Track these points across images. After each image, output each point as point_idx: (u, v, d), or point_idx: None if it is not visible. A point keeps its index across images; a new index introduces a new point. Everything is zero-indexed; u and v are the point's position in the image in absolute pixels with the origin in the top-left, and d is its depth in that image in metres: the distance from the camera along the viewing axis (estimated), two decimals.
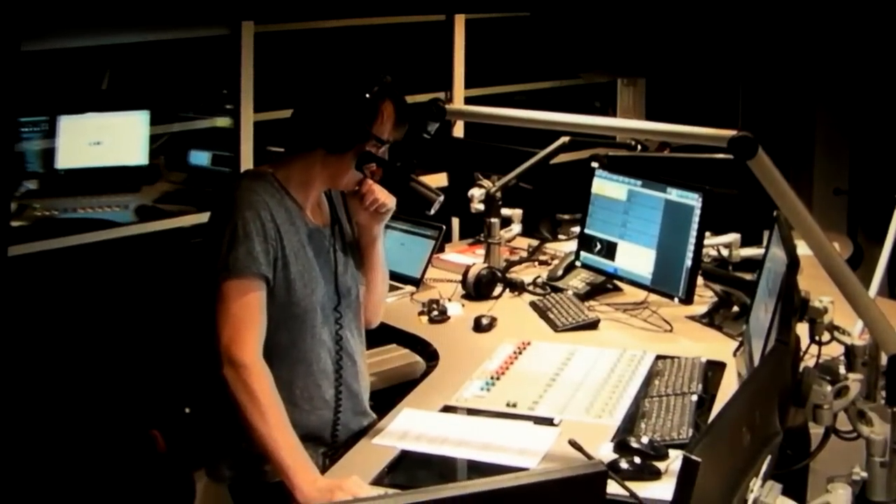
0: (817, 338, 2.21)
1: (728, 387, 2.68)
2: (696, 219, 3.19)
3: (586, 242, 3.60)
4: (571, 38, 5.25)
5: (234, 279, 2.35)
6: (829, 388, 2.05)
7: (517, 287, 3.63)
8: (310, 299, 2.47)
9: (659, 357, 2.93)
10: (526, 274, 3.80)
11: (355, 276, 2.64)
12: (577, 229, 3.78)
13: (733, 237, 3.62)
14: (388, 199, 2.60)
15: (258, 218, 2.39)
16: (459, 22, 4.89)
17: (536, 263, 3.96)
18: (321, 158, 2.48)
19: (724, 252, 3.62)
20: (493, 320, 3.27)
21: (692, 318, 3.29)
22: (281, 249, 2.42)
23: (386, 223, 2.68)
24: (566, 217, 4.35)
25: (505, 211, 3.90)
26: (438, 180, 4.32)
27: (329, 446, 2.54)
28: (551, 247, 4.13)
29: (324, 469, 2.38)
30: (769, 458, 1.77)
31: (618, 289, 3.58)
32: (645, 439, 2.34)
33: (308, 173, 2.50)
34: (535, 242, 4.14)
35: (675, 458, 2.23)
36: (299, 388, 2.49)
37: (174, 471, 2.80)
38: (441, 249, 3.99)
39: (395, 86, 2.48)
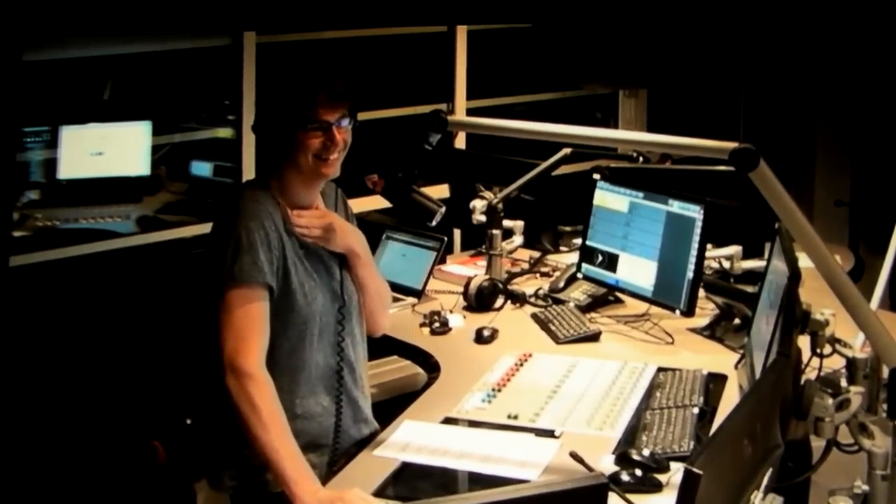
0: (819, 350, 2.22)
1: (729, 399, 2.68)
2: (697, 231, 3.19)
3: (588, 254, 3.60)
4: (573, 50, 5.25)
5: (238, 288, 2.36)
6: (830, 400, 2.05)
7: (518, 299, 3.63)
8: (310, 308, 2.48)
9: (660, 369, 2.93)
10: (527, 286, 3.80)
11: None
12: (578, 241, 3.78)
13: (735, 249, 3.63)
14: (310, 228, 2.51)
15: (262, 227, 2.40)
16: (461, 33, 4.89)
17: (538, 275, 3.97)
18: (290, 164, 2.48)
19: (726, 264, 3.63)
20: (494, 332, 3.27)
21: (693, 330, 3.28)
22: (283, 259, 2.43)
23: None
24: (568, 229, 4.35)
25: (506, 222, 3.90)
26: (440, 192, 4.33)
27: (330, 455, 2.54)
28: (553, 258, 4.14)
29: (326, 479, 2.38)
30: (770, 470, 1.77)
31: (619, 301, 3.58)
32: (646, 452, 2.33)
33: (292, 180, 2.50)
34: (536, 254, 4.14)
35: (677, 471, 2.23)
36: (299, 397, 2.49)
37: (175, 481, 2.80)
38: (442, 261, 3.99)
39: (296, 77, 2.49)
